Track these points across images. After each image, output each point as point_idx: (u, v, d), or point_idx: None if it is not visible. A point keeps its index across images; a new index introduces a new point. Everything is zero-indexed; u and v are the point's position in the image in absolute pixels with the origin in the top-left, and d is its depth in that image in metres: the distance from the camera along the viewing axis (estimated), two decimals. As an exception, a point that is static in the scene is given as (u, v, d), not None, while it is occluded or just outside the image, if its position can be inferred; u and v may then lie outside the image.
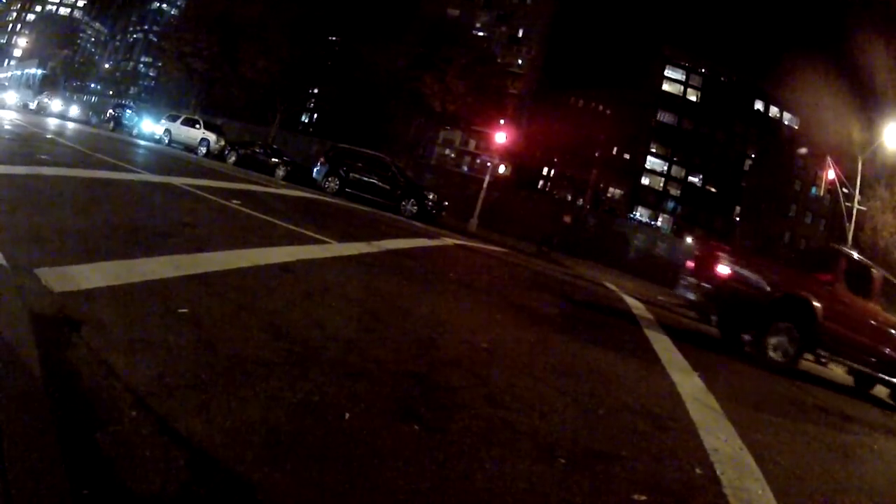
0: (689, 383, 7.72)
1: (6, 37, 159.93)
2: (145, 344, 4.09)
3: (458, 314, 8.30)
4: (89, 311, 4.46)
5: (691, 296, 14.09)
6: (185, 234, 8.39)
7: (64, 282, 4.92)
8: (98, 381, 3.39)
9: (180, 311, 4.94)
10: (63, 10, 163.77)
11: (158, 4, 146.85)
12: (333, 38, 60.17)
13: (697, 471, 4.59)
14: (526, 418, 4.64)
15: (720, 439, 5.52)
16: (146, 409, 3.20)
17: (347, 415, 3.76)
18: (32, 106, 65.84)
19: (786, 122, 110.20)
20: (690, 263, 14.82)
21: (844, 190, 33.63)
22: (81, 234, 6.92)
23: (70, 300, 4.58)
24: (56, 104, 66.97)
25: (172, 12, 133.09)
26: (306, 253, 9.19)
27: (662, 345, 10.77)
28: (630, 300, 18.98)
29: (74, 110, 68.27)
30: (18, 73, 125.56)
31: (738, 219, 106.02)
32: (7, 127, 23.31)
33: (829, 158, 34.10)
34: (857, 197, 33.19)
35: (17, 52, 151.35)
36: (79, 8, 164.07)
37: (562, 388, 5.81)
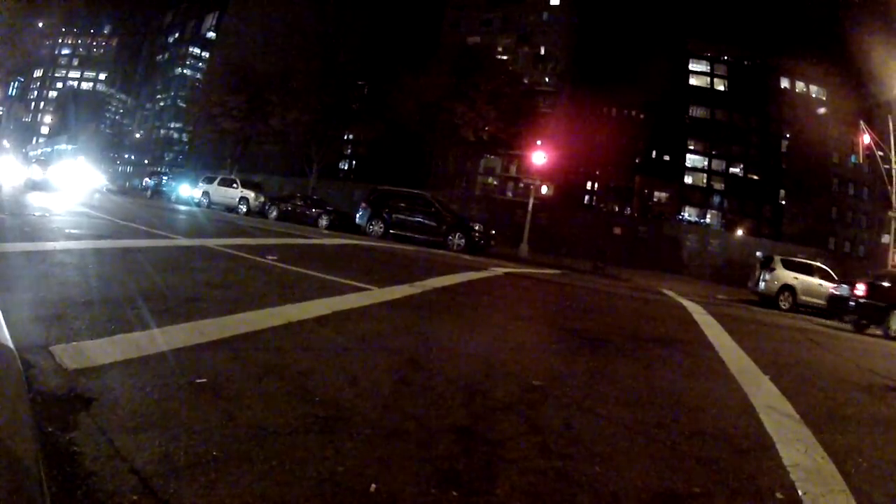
0: (761, 390, 7.30)
1: (30, 114, 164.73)
2: (157, 420, 3.79)
3: (508, 350, 7.81)
4: (102, 387, 4.20)
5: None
6: (213, 297, 8.06)
7: (79, 358, 4.73)
8: (101, 463, 3.11)
9: (198, 381, 4.61)
10: (85, 85, 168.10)
11: (181, 70, 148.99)
12: (360, 82, 60.55)
13: (778, 495, 4.16)
14: (585, 466, 4.13)
15: (800, 451, 5.11)
16: (149, 492, 2.92)
17: (373, 486, 3.31)
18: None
19: (813, 96, 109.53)
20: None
21: (881, 153, 33.02)
22: (103, 305, 6.69)
23: (83, 377, 4.35)
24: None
25: (197, 76, 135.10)
26: (344, 303, 8.80)
27: (728, 349, 10.39)
28: (689, 304, 18.63)
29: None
30: (49, 149, 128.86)
31: (783, 202, 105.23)
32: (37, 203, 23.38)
33: (862, 123, 33.51)
34: (893, 158, 32.60)
35: (44, 129, 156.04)
36: (100, 81, 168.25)
37: (625, 422, 5.31)
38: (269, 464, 3.37)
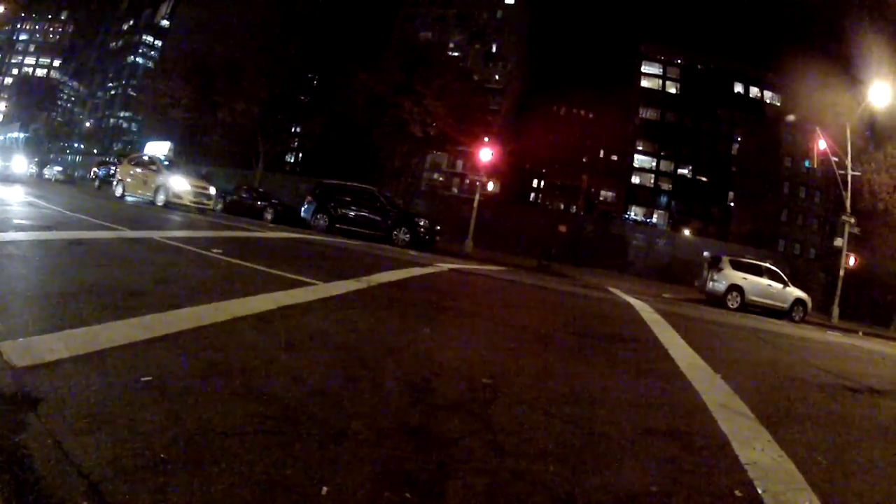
0: (713, 388, 7.38)
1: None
2: (105, 420, 3.68)
3: (455, 348, 7.78)
4: (50, 385, 4.08)
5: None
6: (158, 291, 7.92)
7: (27, 355, 4.59)
8: (50, 468, 3.03)
9: (144, 379, 4.51)
10: (40, 72, 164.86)
11: (133, 58, 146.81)
12: (310, 75, 60.16)
13: (737, 493, 4.18)
14: (539, 465, 4.12)
15: (756, 450, 5.15)
16: (99, 497, 2.84)
17: (325, 489, 3.27)
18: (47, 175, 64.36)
19: (767, 101, 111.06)
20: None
21: (835, 159, 33.58)
22: (50, 299, 6.56)
23: (31, 375, 4.23)
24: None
25: (149, 65, 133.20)
26: (289, 298, 8.68)
27: (677, 347, 10.50)
28: (636, 303, 18.80)
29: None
30: (2, 137, 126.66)
31: (731, 204, 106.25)
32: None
33: (818, 129, 34.02)
34: (849, 163, 33.23)
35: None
36: (55, 68, 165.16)
37: (577, 421, 5.31)
38: (217, 466, 3.32)
